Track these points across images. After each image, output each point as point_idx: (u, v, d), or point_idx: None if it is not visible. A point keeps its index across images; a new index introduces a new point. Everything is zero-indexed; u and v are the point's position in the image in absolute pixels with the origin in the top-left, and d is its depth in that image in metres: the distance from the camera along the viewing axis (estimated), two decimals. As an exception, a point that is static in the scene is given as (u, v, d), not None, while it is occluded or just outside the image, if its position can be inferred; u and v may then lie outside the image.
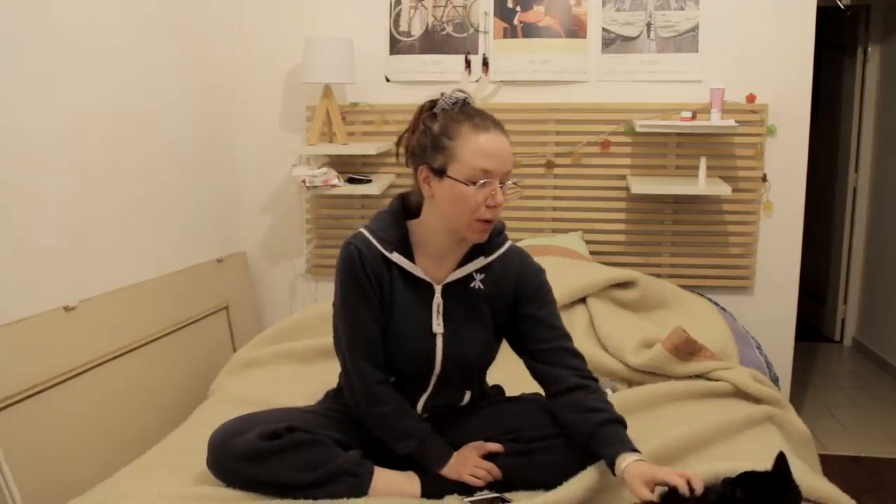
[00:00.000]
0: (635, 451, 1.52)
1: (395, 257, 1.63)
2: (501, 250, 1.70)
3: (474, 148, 1.54)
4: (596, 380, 1.68)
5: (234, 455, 1.59)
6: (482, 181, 1.54)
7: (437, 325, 1.65)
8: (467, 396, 1.75)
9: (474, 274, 1.68)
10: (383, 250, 1.62)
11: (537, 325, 1.68)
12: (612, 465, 1.51)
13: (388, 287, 1.64)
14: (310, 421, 1.66)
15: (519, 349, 1.73)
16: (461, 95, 1.63)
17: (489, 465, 1.63)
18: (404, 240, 1.65)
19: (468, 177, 1.54)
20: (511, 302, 1.70)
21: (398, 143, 1.69)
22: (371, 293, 1.62)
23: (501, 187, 1.57)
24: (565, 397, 1.63)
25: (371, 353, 1.64)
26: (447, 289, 1.66)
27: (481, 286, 1.68)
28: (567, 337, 1.70)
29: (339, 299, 1.65)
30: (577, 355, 1.68)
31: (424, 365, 1.66)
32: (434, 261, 1.66)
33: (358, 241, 1.63)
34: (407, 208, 1.69)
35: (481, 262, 1.67)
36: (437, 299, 1.65)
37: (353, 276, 1.61)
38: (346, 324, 1.64)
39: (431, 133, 1.59)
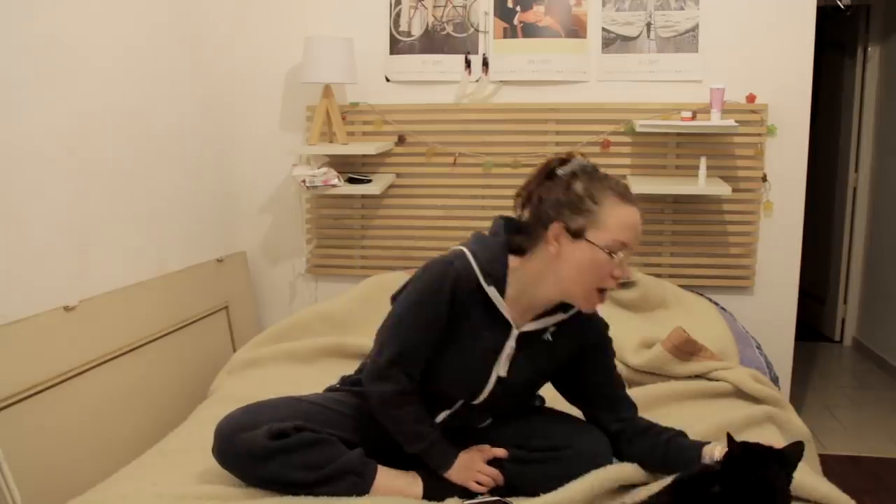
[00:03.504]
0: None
1: (491, 292, 1.59)
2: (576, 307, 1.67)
3: (621, 219, 1.52)
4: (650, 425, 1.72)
5: (240, 452, 1.58)
6: (619, 253, 1.52)
7: (503, 369, 1.63)
8: (489, 421, 1.75)
9: (549, 327, 1.66)
10: (483, 282, 1.58)
11: (598, 373, 1.72)
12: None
13: (467, 314, 1.60)
14: (317, 417, 1.65)
15: (575, 396, 1.76)
16: (590, 162, 1.61)
17: (494, 471, 1.63)
18: (503, 277, 1.60)
19: (608, 246, 1.51)
20: (574, 355, 1.70)
21: (520, 193, 1.65)
22: (443, 321, 1.58)
23: None
24: (630, 446, 1.67)
25: (412, 367, 1.61)
26: (521, 335, 1.64)
27: (550, 338, 1.67)
28: (623, 386, 1.75)
29: (408, 309, 1.59)
30: (632, 405, 1.72)
31: (468, 395, 1.66)
32: (517, 305, 1.63)
33: (460, 264, 1.58)
34: (510, 239, 1.65)
35: (560, 317, 1.66)
36: (511, 343, 1.63)
37: (434, 300, 1.57)
38: (401, 334, 1.60)
39: (574, 192, 1.54)
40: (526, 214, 1.63)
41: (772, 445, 1.42)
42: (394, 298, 1.69)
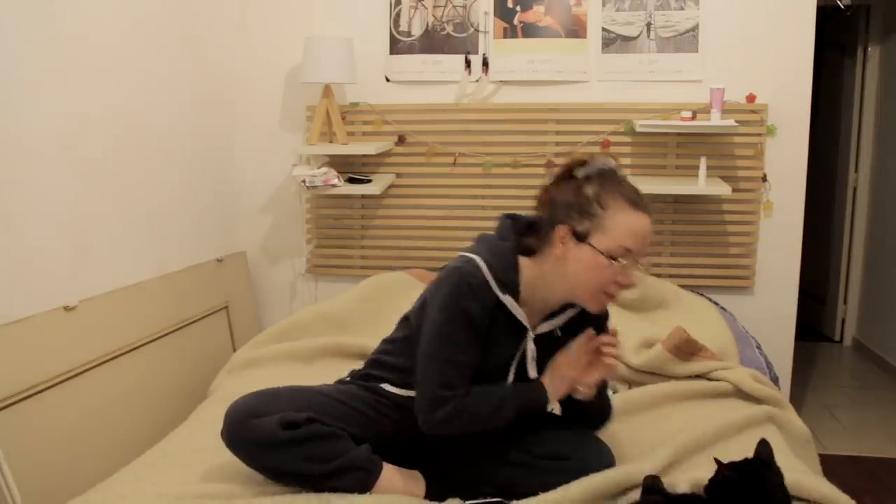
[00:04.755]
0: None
1: (508, 301, 1.59)
2: None
3: (626, 225, 1.52)
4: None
5: (250, 438, 1.57)
6: (621, 259, 1.52)
7: (533, 371, 1.64)
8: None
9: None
10: (498, 292, 1.57)
11: None
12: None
13: (489, 325, 1.59)
14: (329, 410, 1.63)
15: None
16: (612, 163, 1.60)
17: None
18: (517, 283, 1.60)
19: (610, 251, 1.51)
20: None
21: (541, 196, 1.64)
22: (475, 337, 1.57)
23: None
24: None
25: (462, 384, 1.58)
26: (536, 337, 1.65)
27: (559, 333, 1.68)
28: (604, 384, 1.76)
29: (440, 336, 1.56)
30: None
31: None
32: (530, 306, 1.63)
33: (476, 277, 1.56)
34: (518, 242, 1.64)
35: (570, 313, 1.67)
36: (531, 346, 1.63)
37: (462, 321, 1.55)
38: (440, 361, 1.57)
39: (584, 195, 1.54)
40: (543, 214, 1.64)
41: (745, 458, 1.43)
42: (406, 318, 1.69)
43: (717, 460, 1.43)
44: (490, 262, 1.58)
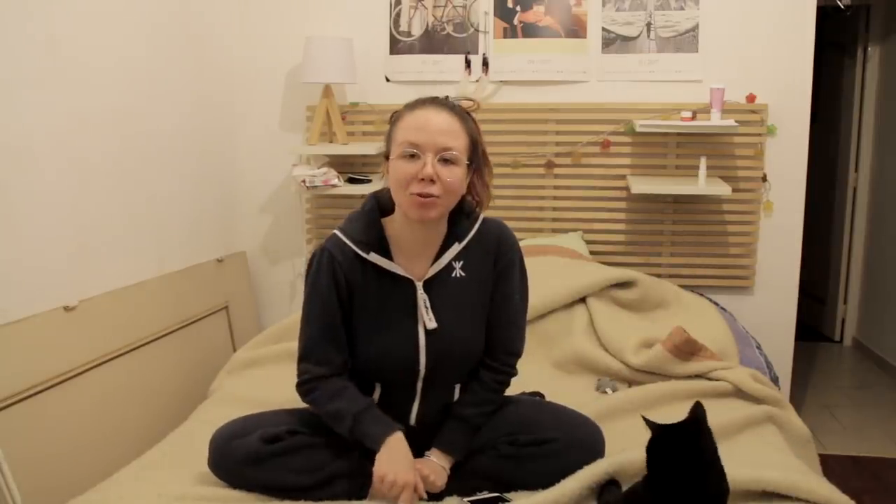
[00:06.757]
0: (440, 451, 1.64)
1: (373, 257, 1.61)
2: (473, 230, 1.67)
3: (403, 124, 1.58)
4: (503, 371, 1.70)
5: (234, 458, 1.59)
6: (410, 153, 1.54)
7: (430, 321, 1.62)
8: (457, 392, 1.71)
9: (453, 263, 1.65)
10: (360, 252, 1.61)
11: (494, 303, 1.70)
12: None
13: (364, 289, 1.62)
14: (313, 423, 1.66)
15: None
16: (443, 95, 1.65)
17: (409, 481, 1.54)
18: (381, 239, 1.63)
19: (397, 153, 1.57)
20: (494, 279, 1.69)
21: None
22: (335, 304, 1.61)
23: (445, 165, 1.55)
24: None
25: (326, 357, 1.64)
26: (429, 284, 1.63)
27: (462, 273, 1.66)
28: (512, 323, 1.71)
29: (304, 304, 1.65)
30: (508, 353, 1.71)
31: (409, 366, 1.63)
32: (411, 257, 1.64)
33: (332, 245, 1.62)
34: (382, 207, 1.67)
35: (456, 248, 1.65)
36: (422, 295, 1.62)
37: (318, 288, 1.61)
38: (304, 329, 1.66)
39: (390, 127, 1.64)
40: None
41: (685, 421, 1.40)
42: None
43: (645, 418, 1.41)
44: (345, 228, 1.64)
